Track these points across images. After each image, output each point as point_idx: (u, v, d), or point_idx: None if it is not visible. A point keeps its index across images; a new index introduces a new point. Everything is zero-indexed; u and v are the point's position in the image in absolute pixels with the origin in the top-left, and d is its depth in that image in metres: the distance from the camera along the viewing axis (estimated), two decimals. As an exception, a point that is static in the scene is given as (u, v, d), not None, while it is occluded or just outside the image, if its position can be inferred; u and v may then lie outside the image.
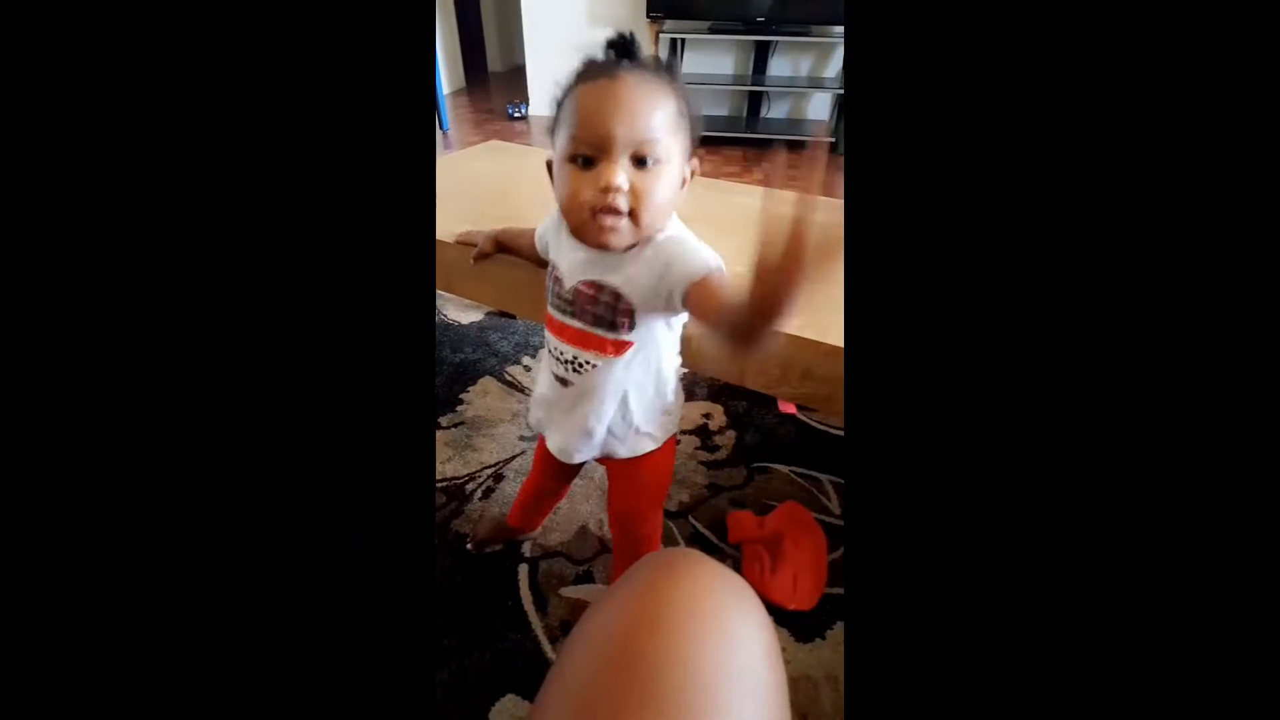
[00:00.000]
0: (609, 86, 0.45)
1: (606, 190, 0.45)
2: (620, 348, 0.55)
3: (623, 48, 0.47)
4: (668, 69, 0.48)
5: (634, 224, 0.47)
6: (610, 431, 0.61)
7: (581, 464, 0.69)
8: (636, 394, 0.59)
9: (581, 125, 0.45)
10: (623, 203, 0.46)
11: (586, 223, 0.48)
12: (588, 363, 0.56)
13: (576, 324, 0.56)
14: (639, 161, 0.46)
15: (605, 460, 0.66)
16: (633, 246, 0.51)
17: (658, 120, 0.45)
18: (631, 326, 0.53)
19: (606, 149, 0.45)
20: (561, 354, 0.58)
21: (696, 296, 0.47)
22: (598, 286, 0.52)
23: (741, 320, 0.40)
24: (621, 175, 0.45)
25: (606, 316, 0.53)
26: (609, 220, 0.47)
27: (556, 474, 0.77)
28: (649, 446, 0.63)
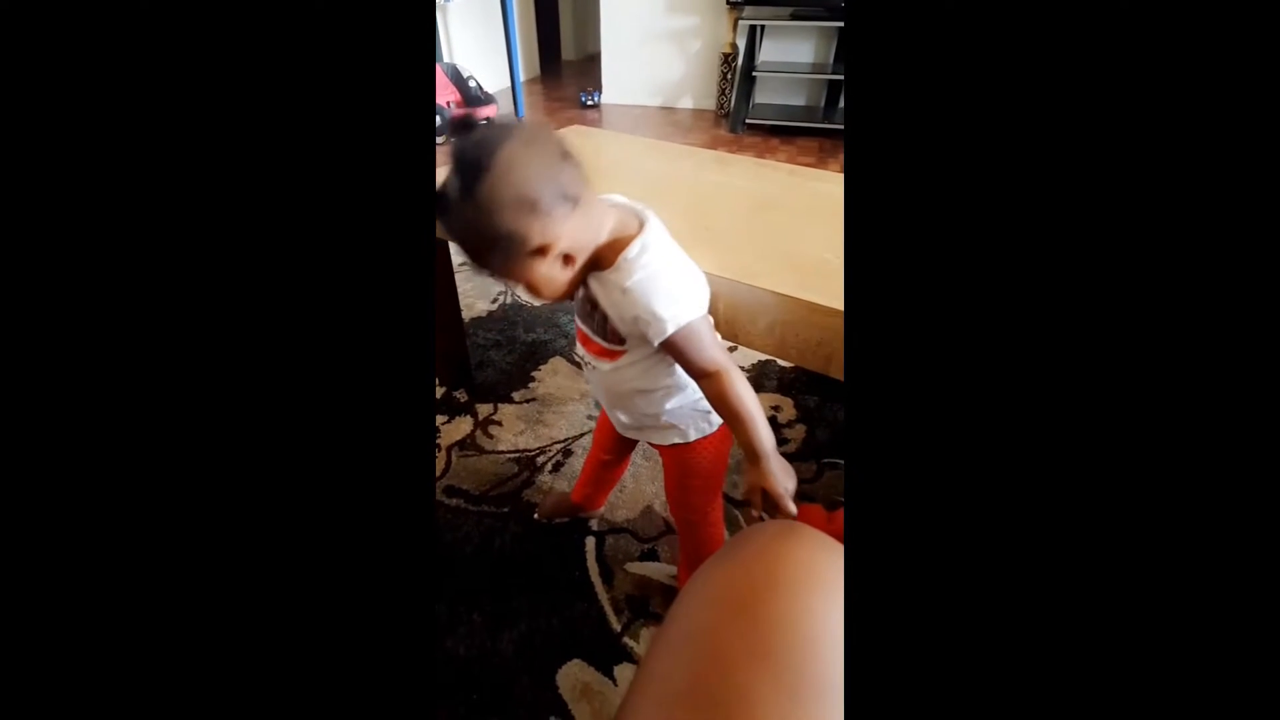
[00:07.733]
0: None
1: None
2: (614, 355, 0.58)
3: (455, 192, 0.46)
4: (473, 170, 0.43)
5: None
6: (636, 421, 0.65)
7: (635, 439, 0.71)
8: (644, 398, 0.61)
9: None
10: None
11: None
12: (590, 364, 0.62)
13: (584, 328, 0.60)
14: None
15: (654, 444, 0.69)
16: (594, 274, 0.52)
17: (482, 262, 0.49)
18: (622, 341, 0.56)
19: None
20: (579, 353, 0.64)
21: (669, 350, 0.51)
22: (593, 303, 0.55)
23: (705, 390, 0.52)
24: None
25: (601, 331, 0.57)
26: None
27: (610, 446, 0.81)
28: (676, 439, 0.65)
